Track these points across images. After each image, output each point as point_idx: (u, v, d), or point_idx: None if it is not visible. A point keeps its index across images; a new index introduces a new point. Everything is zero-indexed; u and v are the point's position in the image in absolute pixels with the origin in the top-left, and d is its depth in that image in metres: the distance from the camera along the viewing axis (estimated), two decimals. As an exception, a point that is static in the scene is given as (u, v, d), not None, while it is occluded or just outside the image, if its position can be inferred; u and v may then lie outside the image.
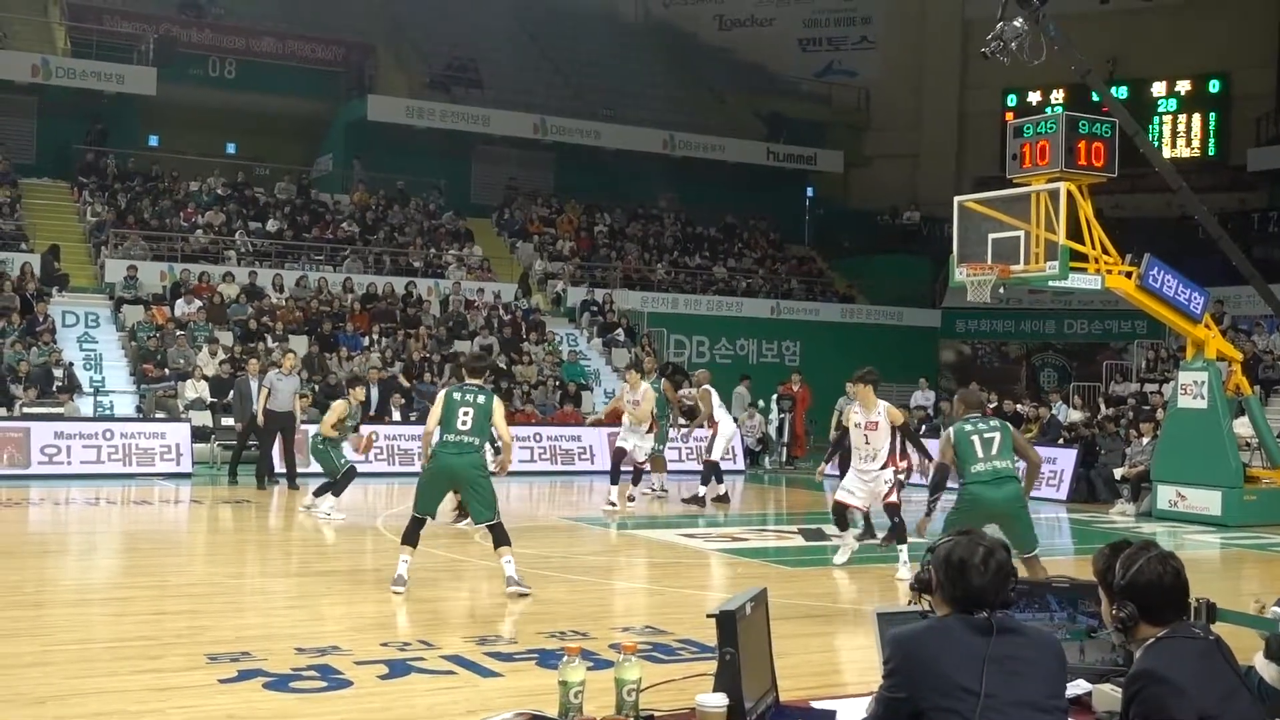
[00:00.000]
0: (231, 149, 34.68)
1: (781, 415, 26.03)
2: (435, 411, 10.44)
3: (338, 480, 15.55)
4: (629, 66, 40.85)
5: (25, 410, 20.61)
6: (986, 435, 10.04)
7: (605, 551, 13.77)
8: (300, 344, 25.10)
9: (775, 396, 26.25)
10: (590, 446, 23.22)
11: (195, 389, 22.29)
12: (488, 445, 11.09)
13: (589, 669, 4.27)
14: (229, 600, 10.08)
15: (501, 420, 10.47)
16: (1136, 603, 3.79)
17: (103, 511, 16.28)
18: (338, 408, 15.84)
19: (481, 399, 10.34)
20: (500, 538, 10.23)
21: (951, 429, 10.32)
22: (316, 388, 22.61)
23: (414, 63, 37.09)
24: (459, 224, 33.31)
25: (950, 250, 17.31)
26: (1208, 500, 17.48)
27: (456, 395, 10.38)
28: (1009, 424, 10.66)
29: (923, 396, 26.94)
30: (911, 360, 31.96)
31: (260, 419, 18.60)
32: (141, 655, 7.79)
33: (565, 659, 4.18)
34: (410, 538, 10.30)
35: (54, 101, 30.93)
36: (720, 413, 18.69)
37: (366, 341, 25.86)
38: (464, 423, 10.21)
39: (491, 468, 10.76)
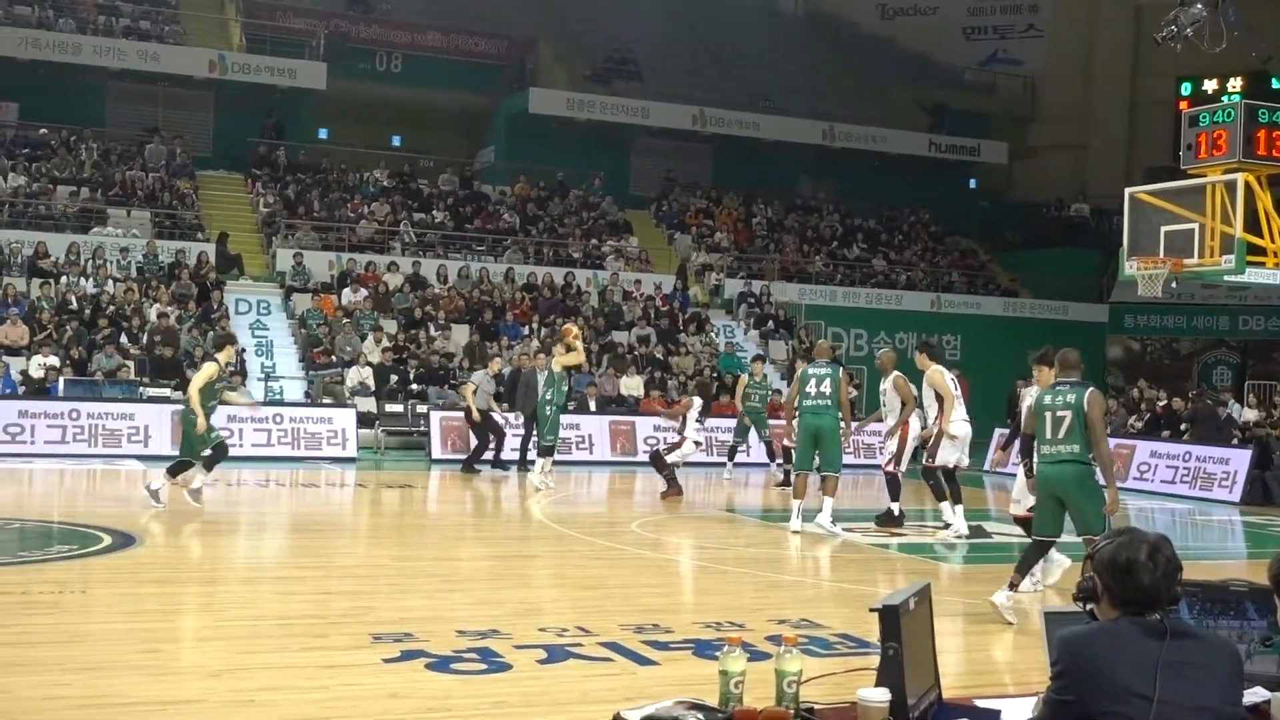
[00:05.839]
0: (397, 141, 35.44)
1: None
2: (1027, 418, 9.48)
3: None
4: (788, 57, 40.61)
5: (200, 394, 21.35)
6: None
7: (760, 544, 13.73)
8: (462, 333, 25.58)
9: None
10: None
11: (360, 375, 22.86)
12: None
13: (747, 660, 4.25)
14: (392, 582, 10.30)
15: (1097, 426, 9.08)
16: None
17: (272, 493, 16.79)
18: None
19: (1072, 398, 9.11)
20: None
21: None
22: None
23: (574, 56, 37.41)
24: (618, 215, 33.51)
25: (1119, 243, 16.80)
26: (1393, 505, 16.71)
27: (1047, 398, 9.28)
28: None
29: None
30: (1077, 356, 31.18)
31: (475, 416, 19.89)
32: (309, 633, 8.01)
33: (726, 649, 4.16)
34: (1025, 567, 9.32)
35: (230, 96, 31.99)
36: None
37: (526, 330, 26.19)
38: (1056, 432, 9.12)
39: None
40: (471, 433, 20.31)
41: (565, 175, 34.24)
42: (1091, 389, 9.28)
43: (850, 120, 37.25)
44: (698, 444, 17.29)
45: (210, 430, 13.63)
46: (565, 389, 18.77)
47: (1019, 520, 11.03)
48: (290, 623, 8.39)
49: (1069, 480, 9.12)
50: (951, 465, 13.73)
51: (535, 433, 19.41)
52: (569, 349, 18.27)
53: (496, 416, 20.42)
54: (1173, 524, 16.77)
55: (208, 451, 13.64)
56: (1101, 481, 9.17)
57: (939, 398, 13.66)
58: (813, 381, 13.61)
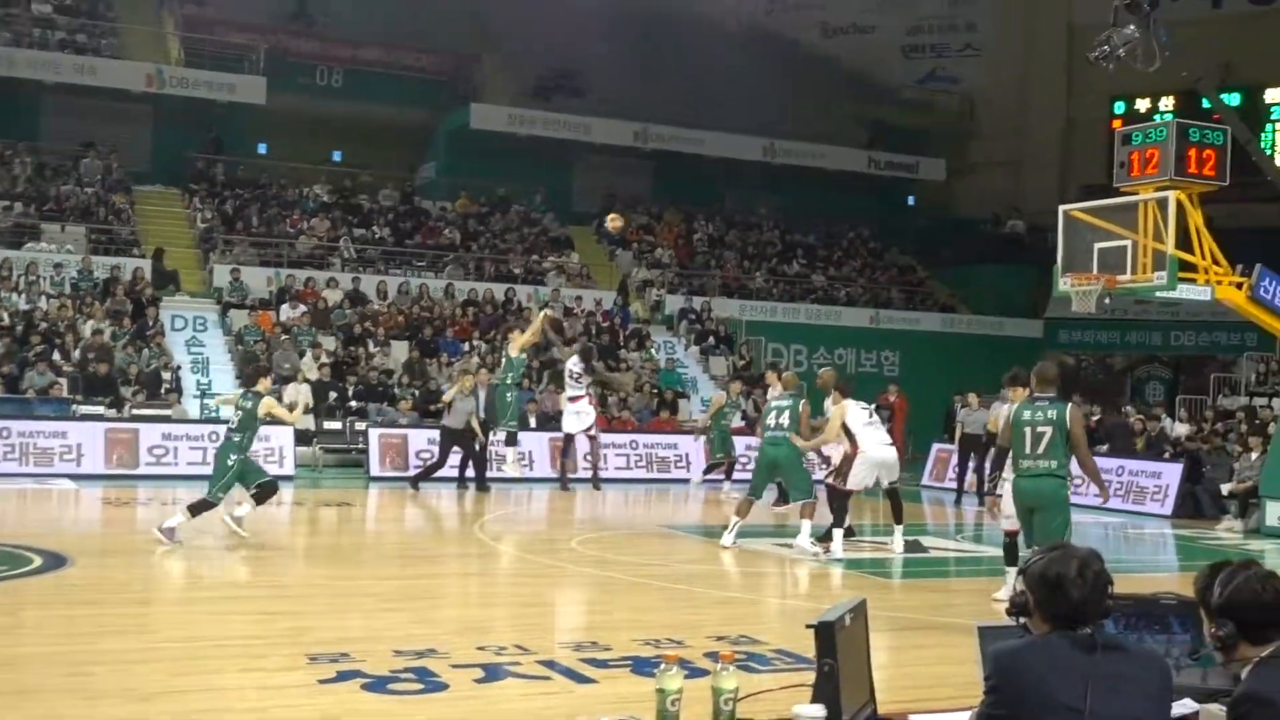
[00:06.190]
0: (337, 157, 35.21)
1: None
2: (1004, 431, 9.80)
3: None
4: (730, 74, 40.74)
5: (134, 412, 21.09)
6: None
7: (700, 560, 13.75)
8: (401, 350, 25.44)
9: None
10: (686, 455, 23.19)
11: (298, 393, 22.62)
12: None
13: (685, 677, 4.25)
14: (329, 602, 10.22)
15: (1081, 440, 9.44)
16: (1235, 621, 3.72)
17: (208, 513, 16.54)
18: None
19: (1053, 413, 9.38)
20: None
21: None
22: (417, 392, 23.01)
23: (516, 71, 37.39)
24: (559, 231, 33.50)
25: (1054, 259, 17.02)
26: (1320, 518, 16.99)
27: (1026, 413, 9.50)
28: None
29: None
30: (1013, 371, 31.48)
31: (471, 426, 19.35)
32: (245, 654, 7.93)
33: (663, 666, 4.17)
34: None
35: (168, 110, 31.65)
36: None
37: (467, 347, 26.09)
38: (1035, 447, 9.36)
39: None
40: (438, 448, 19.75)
41: (506, 191, 34.19)
42: (1072, 405, 9.51)
43: (791, 136, 37.49)
44: (572, 399, 17.38)
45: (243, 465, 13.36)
46: (523, 372, 18.74)
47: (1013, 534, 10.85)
48: (225, 644, 8.29)
49: (1044, 494, 9.33)
50: (864, 489, 13.93)
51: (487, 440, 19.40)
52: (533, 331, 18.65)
53: (471, 435, 19.32)
54: (1105, 538, 16.97)
55: (221, 494, 13.23)
56: (1089, 490, 9.45)
57: (844, 428, 13.72)
58: (773, 414, 13.92)
